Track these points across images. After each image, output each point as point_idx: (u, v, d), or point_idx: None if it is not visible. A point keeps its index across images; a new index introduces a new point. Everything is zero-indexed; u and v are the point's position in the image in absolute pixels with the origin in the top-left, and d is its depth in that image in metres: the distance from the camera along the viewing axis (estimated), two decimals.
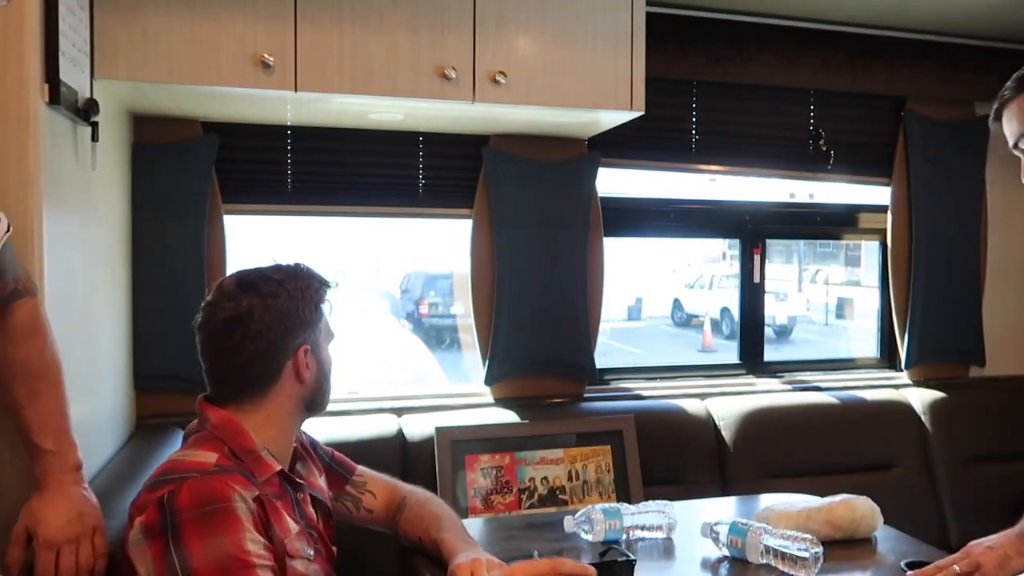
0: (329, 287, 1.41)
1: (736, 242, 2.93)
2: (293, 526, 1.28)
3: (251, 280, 1.33)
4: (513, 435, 2.31)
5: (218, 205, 2.26)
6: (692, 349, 10.10)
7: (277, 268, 1.37)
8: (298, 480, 1.37)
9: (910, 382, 2.91)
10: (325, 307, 1.40)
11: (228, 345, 1.29)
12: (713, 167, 2.80)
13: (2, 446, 1.27)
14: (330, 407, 1.47)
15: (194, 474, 1.17)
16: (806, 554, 1.40)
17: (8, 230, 1.18)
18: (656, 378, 2.83)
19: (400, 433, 2.26)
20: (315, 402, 1.40)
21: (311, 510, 1.40)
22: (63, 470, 1.23)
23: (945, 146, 2.86)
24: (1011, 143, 1.37)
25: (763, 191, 3.14)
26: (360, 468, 1.60)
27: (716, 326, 10.43)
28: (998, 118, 1.38)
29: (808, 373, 2.98)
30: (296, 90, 1.86)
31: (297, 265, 1.39)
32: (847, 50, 2.77)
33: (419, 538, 1.49)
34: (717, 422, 2.53)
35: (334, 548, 1.44)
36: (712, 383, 2.79)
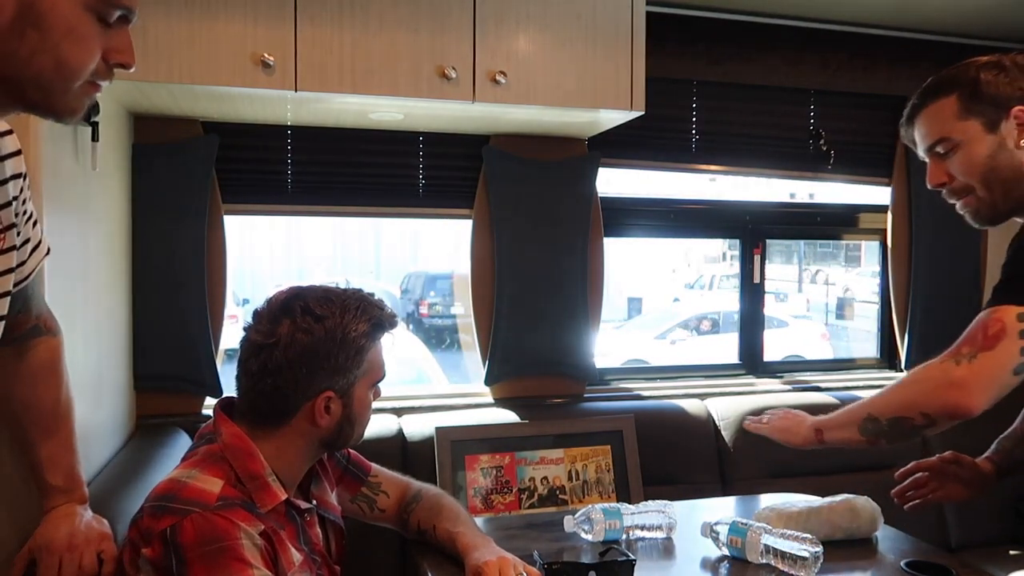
0: (384, 329, 1.31)
1: (736, 242, 2.94)
2: (297, 557, 1.24)
3: (294, 305, 1.25)
4: (513, 435, 2.30)
5: (218, 205, 2.26)
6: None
7: (329, 298, 1.26)
8: (303, 506, 1.31)
9: None
10: (375, 347, 1.31)
11: (249, 369, 1.25)
12: (713, 167, 2.80)
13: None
14: None
15: (195, 508, 1.12)
16: (806, 554, 1.40)
17: (47, 253, 1.17)
18: (656, 378, 2.83)
19: (400, 433, 2.25)
20: (335, 443, 1.33)
21: (317, 531, 1.36)
22: (71, 503, 1.23)
23: None
24: (923, 149, 1.41)
25: (763, 191, 3.15)
26: (375, 467, 1.57)
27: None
28: (910, 123, 1.42)
29: (808, 373, 2.98)
30: (296, 90, 1.86)
31: (358, 296, 1.29)
32: (847, 50, 2.77)
33: (432, 526, 1.47)
34: (717, 422, 2.53)
35: (337, 567, 1.41)
36: (712, 383, 2.79)
